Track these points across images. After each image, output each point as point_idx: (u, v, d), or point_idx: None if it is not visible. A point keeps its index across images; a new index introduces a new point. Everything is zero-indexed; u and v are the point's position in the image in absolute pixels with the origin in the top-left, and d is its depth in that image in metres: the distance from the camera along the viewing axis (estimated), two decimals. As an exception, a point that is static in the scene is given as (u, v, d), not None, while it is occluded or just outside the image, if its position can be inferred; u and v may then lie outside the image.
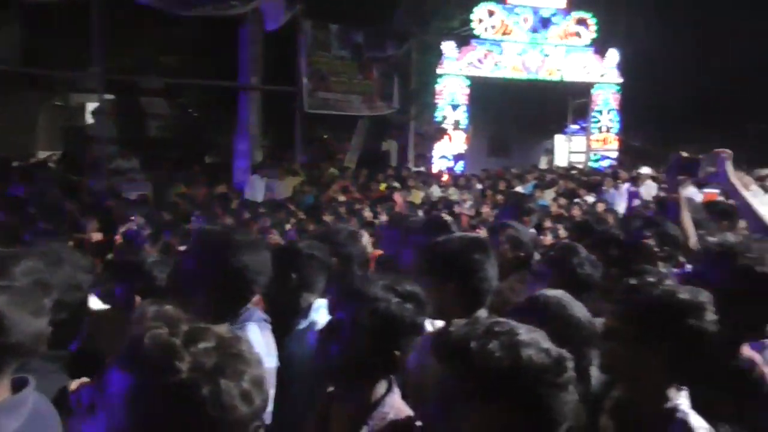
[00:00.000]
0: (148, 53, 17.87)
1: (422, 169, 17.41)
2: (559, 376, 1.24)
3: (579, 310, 1.96)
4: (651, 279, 1.85)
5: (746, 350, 2.07)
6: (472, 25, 17.48)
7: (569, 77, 18.81)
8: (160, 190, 12.36)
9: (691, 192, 9.19)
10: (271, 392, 2.12)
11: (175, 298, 2.24)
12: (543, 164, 22.24)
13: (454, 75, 17.46)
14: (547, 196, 12.64)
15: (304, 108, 15.52)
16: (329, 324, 1.87)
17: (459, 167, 17.67)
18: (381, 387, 1.80)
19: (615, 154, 19.88)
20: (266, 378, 1.17)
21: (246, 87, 15.70)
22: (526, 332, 1.28)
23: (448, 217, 5.09)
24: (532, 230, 8.91)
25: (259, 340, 2.30)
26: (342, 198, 11.57)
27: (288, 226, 8.08)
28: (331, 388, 1.93)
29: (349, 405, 1.82)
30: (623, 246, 3.64)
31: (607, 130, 19.93)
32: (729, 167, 3.22)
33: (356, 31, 16.25)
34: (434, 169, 17.30)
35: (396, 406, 1.79)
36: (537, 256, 3.75)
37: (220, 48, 16.13)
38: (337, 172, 15.39)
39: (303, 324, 2.85)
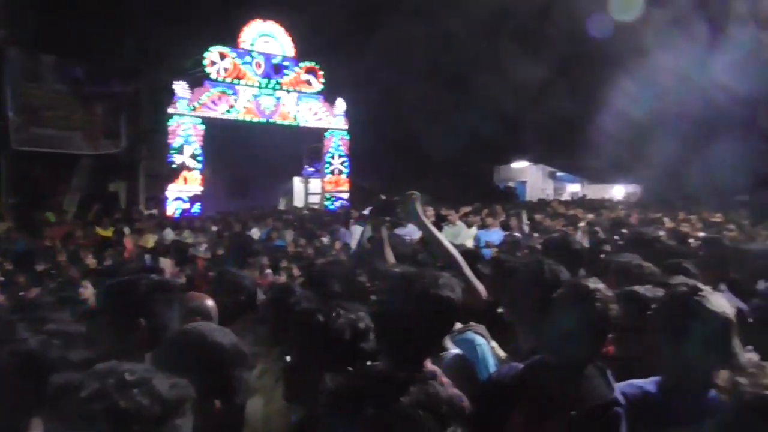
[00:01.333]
0: None
1: (155, 211, 16.54)
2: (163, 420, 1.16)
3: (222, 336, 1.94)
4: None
5: (428, 364, 2.36)
6: (205, 66, 17.38)
7: (303, 122, 19.73)
8: None
9: (409, 230, 10.26)
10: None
11: None
12: (282, 205, 22.73)
13: (187, 115, 17.10)
14: (287, 237, 12.94)
15: (10, 144, 13.75)
16: None
17: (196, 209, 17.21)
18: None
19: (347, 195, 21.26)
20: None
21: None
22: (139, 372, 1.19)
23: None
24: (268, 271, 9.09)
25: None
26: (59, 244, 10.41)
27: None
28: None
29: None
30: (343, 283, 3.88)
31: (339, 173, 21.26)
32: (418, 207, 3.67)
33: (75, 64, 15.01)
34: (168, 212, 16.59)
35: None
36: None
37: None
38: (52, 216, 13.84)
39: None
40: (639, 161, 23.33)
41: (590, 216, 12.02)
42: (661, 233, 5.03)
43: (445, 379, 1.99)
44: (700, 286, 2.26)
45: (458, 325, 2.95)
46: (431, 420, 1.12)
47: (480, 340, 2.80)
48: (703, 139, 16.83)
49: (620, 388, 2.26)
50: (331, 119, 20.58)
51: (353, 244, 11.81)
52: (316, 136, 20.83)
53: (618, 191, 26.12)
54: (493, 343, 2.94)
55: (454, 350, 2.57)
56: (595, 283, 2.25)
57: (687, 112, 16.88)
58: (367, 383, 1.20)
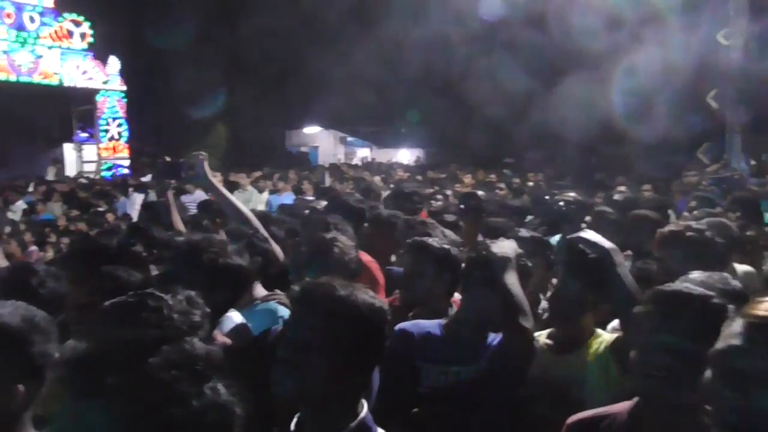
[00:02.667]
0: None
1: None
2: None
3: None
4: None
5: (219, 337, 2.28)
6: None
7: (69, 82, 17.69)
8: None
9: (195, 196, 9.80)
10: None
11: None
12: (51, 175, 20.34)
13: None
14: (56, 210, 11.63)
15: None
16: None
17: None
18: None
19: (127, 162, 19.67)
20: None
21: None
22: None
23: None
24: (33, 248, 8.09)
25: None
26: None
27: None
28: None
29: None
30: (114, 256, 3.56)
31: (117, 139, 19.57)
32: (206, 167, 3.48)
33: None
34: None
35: None
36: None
37: None
38: None
39: None
40: (421, 128, 24.89)
41: (377, 178, 12.54)
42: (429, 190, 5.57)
43: (221, 338, 1.91)
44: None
45: (262, 292, 2.87)
46: (185, 379, 1.04)
47: (283, 311, 2.74)
48: (478, 108, 18.27)
49: (404, 326, 2.42)
50: (103, 79, 18.73)
51: (134, 214, 11.04)
52: (87, 97, 18.87)
53: (404, 155, 27.59)
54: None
55: (236, 320, 2.53)
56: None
57: (468, 81, 18.22)
58: (109, 348, 1.08)
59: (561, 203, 4.77)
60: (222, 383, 1.08)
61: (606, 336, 2.38)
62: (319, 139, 29.47)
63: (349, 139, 30.29)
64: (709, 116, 9.72)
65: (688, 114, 12.22)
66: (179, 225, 4.04)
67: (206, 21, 20.12)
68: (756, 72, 8.53)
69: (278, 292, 2.91)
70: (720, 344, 1.27)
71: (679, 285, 1.68)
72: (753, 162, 8.60)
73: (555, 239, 4.17)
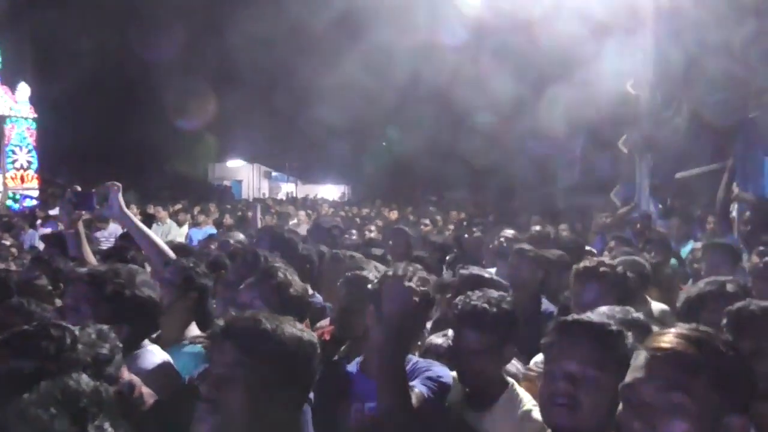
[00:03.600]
0: None
1: None
2: None
3: None
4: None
5: (125, 373, 2.14)
6: None
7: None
8: None
9: (110, 231, 9.37)
10: None
11: None
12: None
13: None
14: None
15: None
16: None
17: None
18: None
19: (36, 193, 18.69)
20: None
21: None
22: None
23: None
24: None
25: None
26: None
27: None
28: None
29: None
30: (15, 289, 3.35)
31: (26, 168, 18.61)
32: (120, 199, 3.34)
33: None
34: None
35: None
36: None
37: None
38: None
39: None
40: (347, 164, 25.09)
41: (302, 213, 12.48)
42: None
43: (128, 375, 1.80)
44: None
45: (195, 332, 2.76)
46: (64, 417, 0.98)
47: None
48: (401, 143, 18.63)
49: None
50: (12, 105, 17.89)
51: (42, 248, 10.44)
52: (-4, 124, 17.94)
53: (329, 191, 27.68)
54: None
55: (158, 357, 2.35)
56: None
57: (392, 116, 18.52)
58: None
59: (501, 239, 4.91)
60: (110, 422, 1.02)
61: (522, 394, 2.18)
62: (243, 173, 29.17)
63: (274, 173, 30.13)
64: (620, 160, 10.30)
65: (601, 158, 12.92)
66: (90, 258, 3.84)
67: (121, 45, 19.69)
68: (660, 120, 9.15)
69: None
70: (627, 377, 1.31)
71: (579, 315, 1.73)
72: (660, 205, 9.15)
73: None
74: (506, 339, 2.20)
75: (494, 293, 2.31)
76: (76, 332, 1.50)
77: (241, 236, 5.04)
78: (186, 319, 2.74)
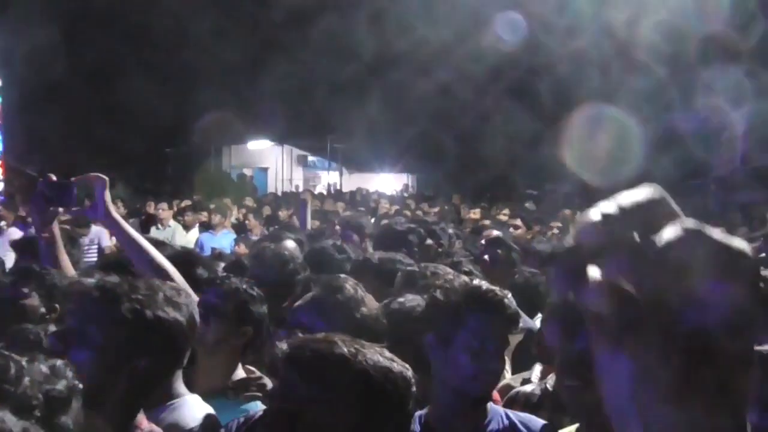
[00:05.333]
0: None
1: None
2: None
3: None
4: None
5: (144, 423, 2.20)
6: None
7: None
8: None
9: (95, 233, 9.59)
10: None
11: None
12: None
13: None
14: None
15: None
16: None
17: None
18: None
19: (0, 186, 19.49)
20: None
21: None
22: None
23: None
24: None
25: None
26: None
27: None
28: None
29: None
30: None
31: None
32: (107, 197, 3.26)
33: None
34: None
35: None
36: None
37: None
38: None
39: None
40: (412, 146, 25.06)
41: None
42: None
43: (147, 425, 1.90)
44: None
45: (241, 374, 2.80)
46: None
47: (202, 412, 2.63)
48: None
49: None
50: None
51: (8, 258, 10.76)
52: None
53: (386, 182, 27.63)
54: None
55: (199, 408, 2.39)
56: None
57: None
58: None
59: None
60: None
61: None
62: (269, 158, 29.39)
63: (311, 158, 30.28)
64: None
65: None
66: (68, 268, 3.84)
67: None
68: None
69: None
70: None
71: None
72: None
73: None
74: None
75: None
76: (23, 363, 1.53)
77: (291, 244, 5.02)
78: (234, 362, 2.78)
